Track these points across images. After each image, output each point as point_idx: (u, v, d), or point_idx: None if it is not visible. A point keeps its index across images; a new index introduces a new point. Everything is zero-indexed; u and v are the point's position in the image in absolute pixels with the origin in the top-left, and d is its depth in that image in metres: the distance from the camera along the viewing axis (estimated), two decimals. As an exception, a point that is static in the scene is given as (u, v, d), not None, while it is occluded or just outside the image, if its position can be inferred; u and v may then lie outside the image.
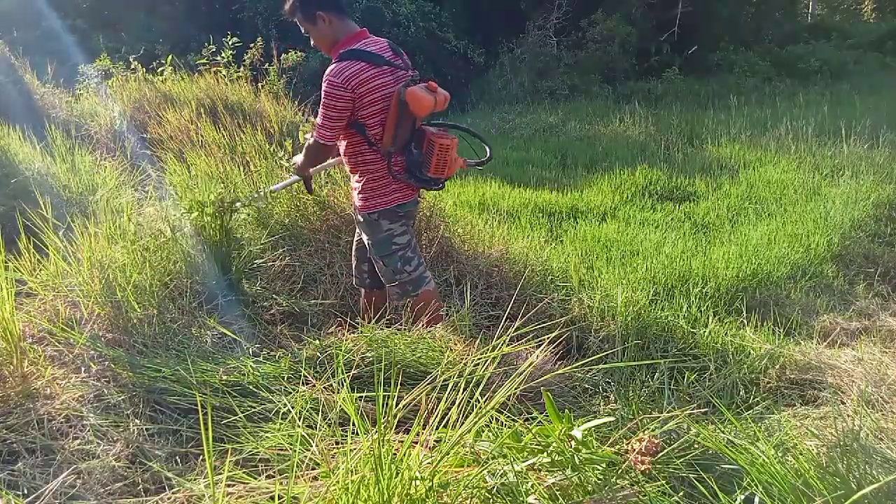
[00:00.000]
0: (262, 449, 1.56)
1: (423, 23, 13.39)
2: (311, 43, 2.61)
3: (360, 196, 2.59)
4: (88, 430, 1.61)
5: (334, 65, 2.40)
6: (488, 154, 2.80)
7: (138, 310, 2.10)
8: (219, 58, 6.27)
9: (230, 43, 6.31)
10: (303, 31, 2.58)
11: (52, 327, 1.93)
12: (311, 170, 2.77)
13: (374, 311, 2.73)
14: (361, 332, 2.19)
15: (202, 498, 1.38)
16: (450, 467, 1.33)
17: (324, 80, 2.39)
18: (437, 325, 2.38)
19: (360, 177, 2.58)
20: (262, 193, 3.08)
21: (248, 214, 3.55)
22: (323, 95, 2.38)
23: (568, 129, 9.98)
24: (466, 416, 1.37)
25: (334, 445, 1.50)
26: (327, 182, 3.65)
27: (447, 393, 1.48)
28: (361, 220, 2.63)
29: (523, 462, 1.35)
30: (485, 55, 14.57)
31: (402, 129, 2.44)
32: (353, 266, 2.93)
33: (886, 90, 11.35)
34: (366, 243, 2.69)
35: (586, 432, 1.39)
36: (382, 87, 2.42)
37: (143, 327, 2.06)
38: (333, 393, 1.78)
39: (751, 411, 2.15)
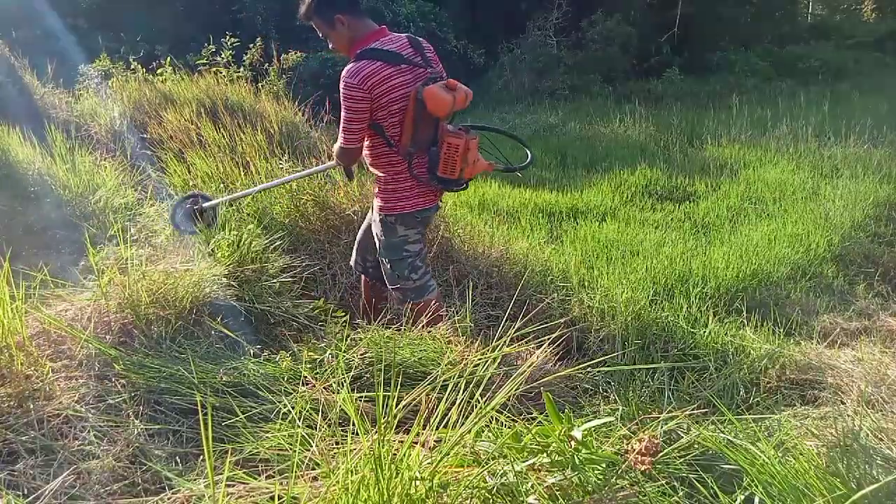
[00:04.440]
0: (263, 449, 1.56)
1: (423, 23, 13.39)
2: (330, 46, 2.56)
3: (381, 198, 2.56)
4: (88, 431, 1.61)
5: (350, 65, 2.34)
6: (529, 158, 2.69)
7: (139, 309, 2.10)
8: (218, 58, 6.27)
9: (229, 43, 6.32)
10: (320, 34, 2.54)
11: (53, 327, 1.92)
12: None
13: (375, 301, 2.72)
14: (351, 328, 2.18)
15: (202, 498, 1.38)
16: (450, 467, 1.33)
17: (341, 81, 2.33)
18: (438, 326, 2.37)
19: (382, 179, 2.55)
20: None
21: (248, 214, 3.55)
22: (341, 97, 2.34)
23: (568, 129, 9.98)
24: (466, 417, 1.37)
25: (334, 445, 1.50)
26: (326, 182, 3.66)
27: (447, 393, 1.48)
28: (378, 220, 2.60)
29: (523, 462, 1.34)
30: (485, 55, 14.58)
31: (423, 130, 2.38)
32: (356, 252, 2.84)
33: (886, 90, 11.35)
34: (376, 240, 2.66)
35: (586, 432, 1.39)
36: (401, 86, 2.35)
37: (144, 327, 2.06)
38: (333, 393, 1.78)
39: (751, 411, 2.15)
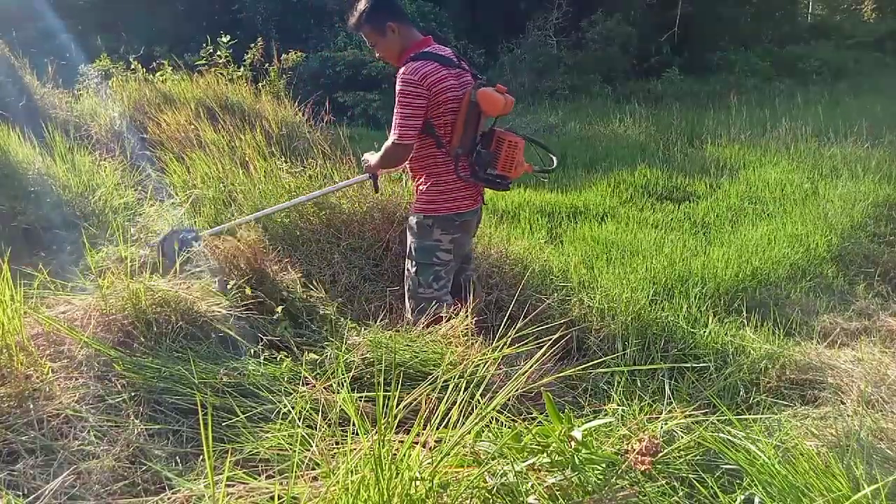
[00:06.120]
0: (263, 449, 1.56)
1: (423, 23, 13.39)
2: (377, 55, 2.64)
3: (421, 199, 2.60)
4: (88, 431, 1.61)
5: (407, 65, 2.42)
6: (554, 163, 2.81)
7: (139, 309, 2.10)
8: (216, 57, 6.27)
9: (224, 42, 6.32)
10: (369, 43, 2.62)
11: (53, 327, 1.92)
12: (381, 170, 2.79)
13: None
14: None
15: (202, 498, 1.38)
16: (450, 467, 1.33)
17: (398, 80, 2.41)
18: (438, 326, 2.37)
19: (425, 180, 2.59)
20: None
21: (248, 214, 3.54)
22: (398, 95, 2.41)
23: (568, 129, 9.98)
24: (467, 417, 1.37)
25: (334, 446, 1.50)
26: (326, 182, 3.65)
27: (448, 393, 1.48)
28: (414, 221, 2.62)
29: (523, 462, 1.35)
30: (485, 55, 14.59)
31: (469, 131, 2.48)
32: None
33: (886, 90, 11.36)
34: (408, 245, 2.68)
35: (586, 432, 1.39)
36: (454, 87, 2.47)
37: (144, 327, 2.06)
38: (333, 393, 1.78)
39: (751, 411, 2.15)
